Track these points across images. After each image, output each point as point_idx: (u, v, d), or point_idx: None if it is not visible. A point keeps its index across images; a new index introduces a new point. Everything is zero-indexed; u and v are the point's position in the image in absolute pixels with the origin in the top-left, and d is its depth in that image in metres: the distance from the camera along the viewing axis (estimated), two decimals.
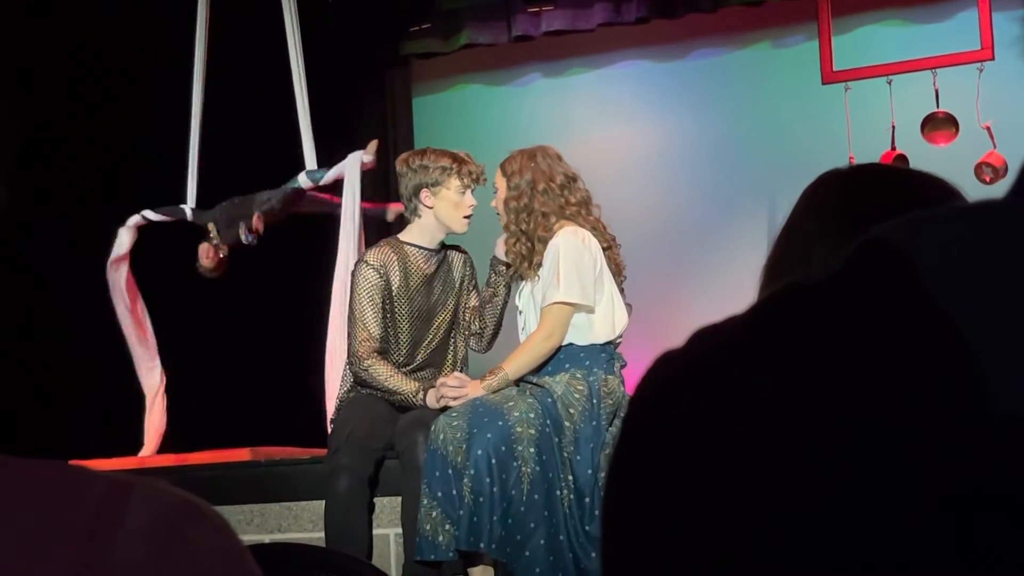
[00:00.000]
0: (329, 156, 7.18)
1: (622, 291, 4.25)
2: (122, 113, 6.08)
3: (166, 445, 5.44)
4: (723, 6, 6.45)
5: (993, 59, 6.07)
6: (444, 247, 4.55)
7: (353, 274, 4.45)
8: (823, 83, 6.42)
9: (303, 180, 5.46)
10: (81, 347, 5.76)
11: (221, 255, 5.41)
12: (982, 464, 0.44)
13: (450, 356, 4.56)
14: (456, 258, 4.61)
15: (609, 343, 4.15)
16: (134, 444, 5.41)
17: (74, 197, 5.90)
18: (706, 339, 0.52)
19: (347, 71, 7.10)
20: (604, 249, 4.17)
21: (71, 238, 5.71)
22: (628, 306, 4.24)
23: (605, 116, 6.93)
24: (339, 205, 5.39)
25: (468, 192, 4.39)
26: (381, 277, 4.38)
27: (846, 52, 6.39)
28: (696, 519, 0.48)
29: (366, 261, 4.41)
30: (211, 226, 5.41)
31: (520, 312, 4.27)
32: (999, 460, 0.43)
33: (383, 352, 4.36)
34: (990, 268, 0.47)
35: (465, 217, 4.40)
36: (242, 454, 4.96)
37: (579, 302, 4.07)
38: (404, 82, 7.29)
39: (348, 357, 4.42)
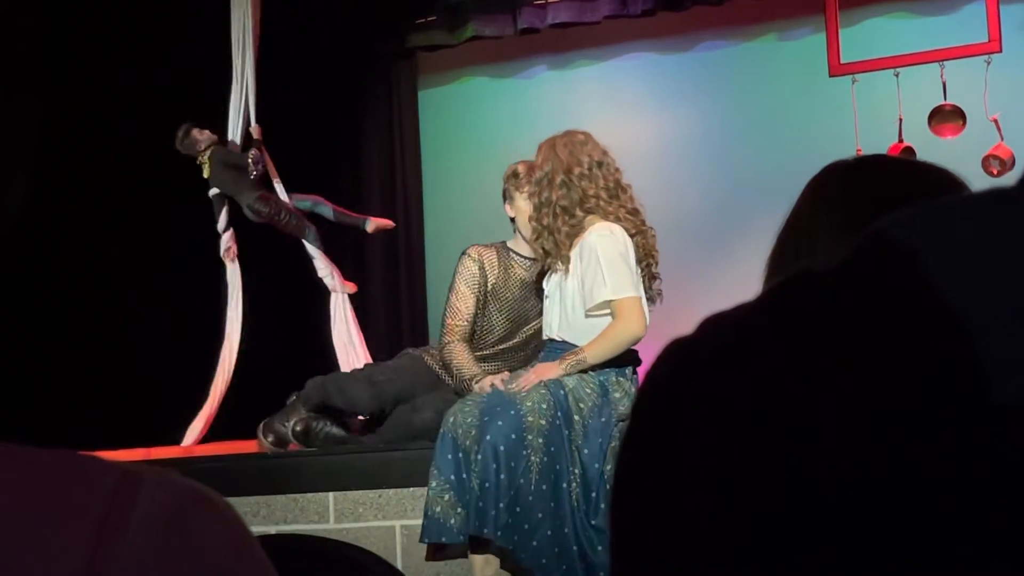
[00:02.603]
0: (335, 147, 7.20)
1: (656, 275, 4.19)
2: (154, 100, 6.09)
3: (174, 436, 5.46)
4: None
5: (1001, 51, 6.06)
6: None
7: (456, 265, 4.60)
8: (830, 75, 6.41)
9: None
10: (107, 342, 5.78)
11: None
12: (986, 450, 0.44)
13: (522, 357, 4.66)
14: None
15: None
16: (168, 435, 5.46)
17: (102, 189, 5.93)
18: (716, 326, 0.53)
19: (353, 63, 7.10)
20: (632, 235, 4.09)
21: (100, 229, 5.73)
22: (659, 292, 4.19)
23: (611, 109, 6.92)
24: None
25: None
26: (480, 272, 4.51)
27: (853, 44, 6.38)
28: (705, 505, 0.48)
29: (469, 255, 4.56)
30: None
31: (547, 297, 4.25)
32: (1003, 445, 0.44)
33: (466, 337, 4.51)
34: (994, 259, 0.47)
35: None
36: (249, 446, 4.97)
37: (634, 294, 4.03)
38: (410, 74, 7.28)
39: (440, 334, 4.59)
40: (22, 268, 5.09)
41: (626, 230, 4.07)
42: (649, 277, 4.17)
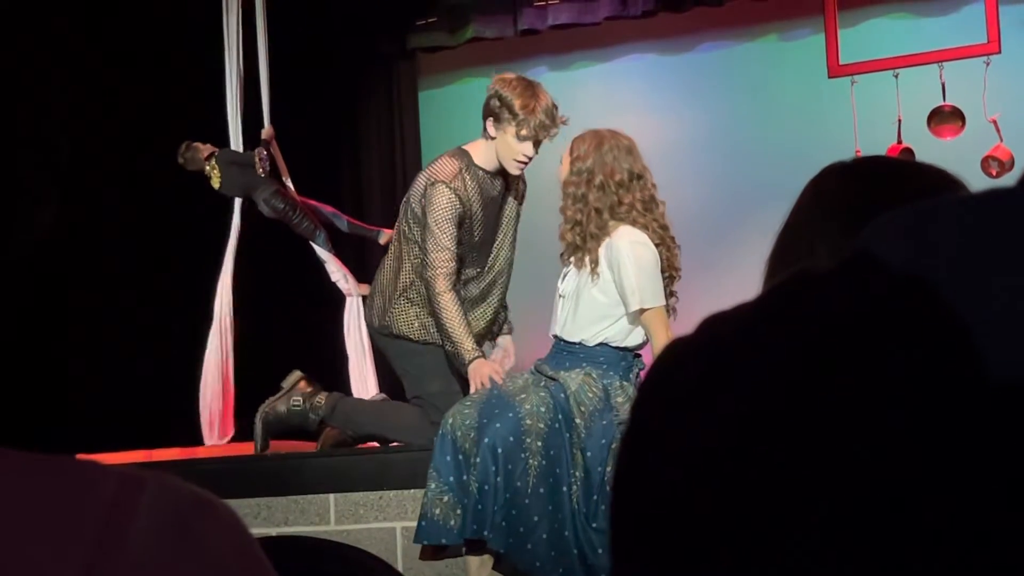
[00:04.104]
0: (336, 148, 7.20)
1: (673, 293, 4.21)
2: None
3: (177, 438, 5.46)
4: None
5: (1000, 52, 6.06)
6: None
7: (431, 194, 4.42)
8: (829, 76, 6.41)
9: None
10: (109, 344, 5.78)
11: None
12: (985, 433, 0.44)
13: (498, 292, 4.68)
14: (512, 180, 4.62)
15: (630, 350, 4.14)
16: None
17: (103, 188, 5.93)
18: (717, 325, 0.53)
19: (353, 64, 7.10)
20: (656, 245, 4.10)
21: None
22: (673, 309, 4.20)
23: (611, 109, 6.91)
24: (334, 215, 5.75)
25: (527, 143, 4.37)
26: (461, 203, 4.40)
27: (852, 45, 6.38)
28: (705, 506, 0.48)
29: (446, 183, 4.39)
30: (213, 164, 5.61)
31: (561, 296, 4.22)
32: (999, 426, 0.44)
33: (453, 278, 4.40)
34: (993, 257, 0.47)
35: (517, 161, 4.40)
36: (250, 447, 4.97)
37: (661, 303, 4.06)
38: (410, 75, 7.28)
39: (425, 275, 4.41)
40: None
41: (652, 240, 4.09)
42: (668, 293, 4.17)
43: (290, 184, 5.73)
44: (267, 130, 5.68)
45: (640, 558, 0.51)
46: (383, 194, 7.17)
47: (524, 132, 4.32)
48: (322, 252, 5.63)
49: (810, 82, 6.55)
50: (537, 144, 4.38)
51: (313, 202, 5.75)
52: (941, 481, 0.44)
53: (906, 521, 0.44)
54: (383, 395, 5.16)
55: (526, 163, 4.42)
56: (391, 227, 6.01)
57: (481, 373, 4.14)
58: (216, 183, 5.62)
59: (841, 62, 6.35)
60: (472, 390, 4.18)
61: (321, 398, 4.68)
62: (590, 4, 6.61)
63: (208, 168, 5.61)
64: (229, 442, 5.49)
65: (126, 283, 6.02)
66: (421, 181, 4.50)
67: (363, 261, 6.77)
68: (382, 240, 5.71)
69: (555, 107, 4.41)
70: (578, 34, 6.82)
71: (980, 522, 0.44)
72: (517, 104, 4.34)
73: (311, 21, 6.83)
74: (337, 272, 5.66)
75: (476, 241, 4.52)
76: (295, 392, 4.69)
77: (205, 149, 5.65)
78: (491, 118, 4.40)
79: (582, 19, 6.65)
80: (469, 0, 6.74)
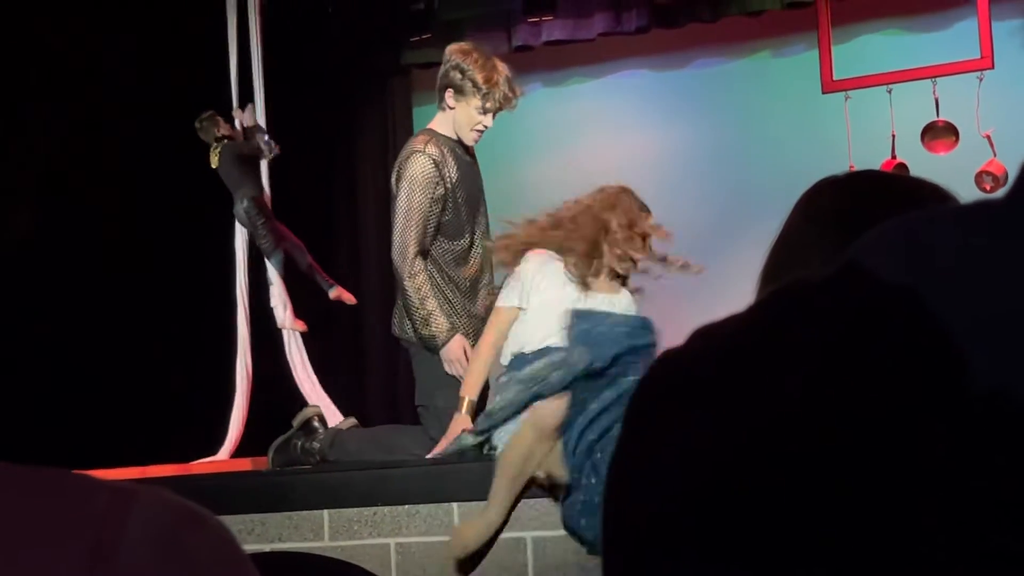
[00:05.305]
0: (331, 164, 7.21)
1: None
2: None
3: (182, 453, 5.45)
4: (723, 16, 6.46)
5: (993, 68, 6.08)
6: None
7: (405, 166, 4.41)
8: (823, 92, 6.43)
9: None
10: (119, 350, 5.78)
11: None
12: (970, 439, 0.44)
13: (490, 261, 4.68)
14: (473, 150, 4.70)
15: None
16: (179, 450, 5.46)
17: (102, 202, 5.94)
18: (707, 337, 0.53)
19: (348, 80, 7.11)
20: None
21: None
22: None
23: (605, 126, 6.93)
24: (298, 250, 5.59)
25: (488, 115, 4.43)
26: (437, 167, 4.41)
27: (846, 61, 6.40)
28: (697, 514, 0.48)
29: (420, 151, 4.40)
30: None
31: (523, 310, 4.24)
32: (984, 432, 0.44)
33: (425, 255, 4.40)
34: (981, 267, 0.47)
35: (475, 131, 4.47)
36: (243, 464, 4.96)
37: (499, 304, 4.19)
38: (405, 92, 7.30)
39: (398, 253, 4.41)
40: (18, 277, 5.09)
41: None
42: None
43: (268, 192, 5.69)
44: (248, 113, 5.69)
45: (633, 564, 0.51)
46: (378, 208, 7.16)
47: (488, 105, 4.41)
48: (272, 273, 5.49)
49: (804, 98, 6.56)
50: (494, 116, 4.45)
51: (285, 229, 5.66)
52: (930, 486, 0.44)
53: (900, 525, 0.44)
54: (353, 420, 5.13)
55: (482, 132, 4.51)
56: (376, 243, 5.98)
57: (455, 354, 4.19)
58: (214, 163, 5.59)
59: (835, 78, 6.37)
60: (450, 371, 4.26)
61: (316, 443, 4.68)
62: (584, 20, 6.63)
63: (213, 150, 5.59)
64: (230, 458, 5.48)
65: (124, 290, 6.00)
66: (396, 167, 4.54)
67: (358, 273, 6.77)
68: (332, 294, 5.54)
69: (512, 78, 4.48)
70: (572, 50, 6.84)
71: (973, 522, 0.44)
72: (480, 77, 4.42)
73: (305, 37, 6.85)
74: (277, 299, 5.42)
75: (462, 203, 4.52)
76: (301, 432, 4.71)
77: (224, 128, 5.59)
78: (451, 89, 4.47)
79: (576, 35, 6.67)
80: (463, 17, 6.76)
